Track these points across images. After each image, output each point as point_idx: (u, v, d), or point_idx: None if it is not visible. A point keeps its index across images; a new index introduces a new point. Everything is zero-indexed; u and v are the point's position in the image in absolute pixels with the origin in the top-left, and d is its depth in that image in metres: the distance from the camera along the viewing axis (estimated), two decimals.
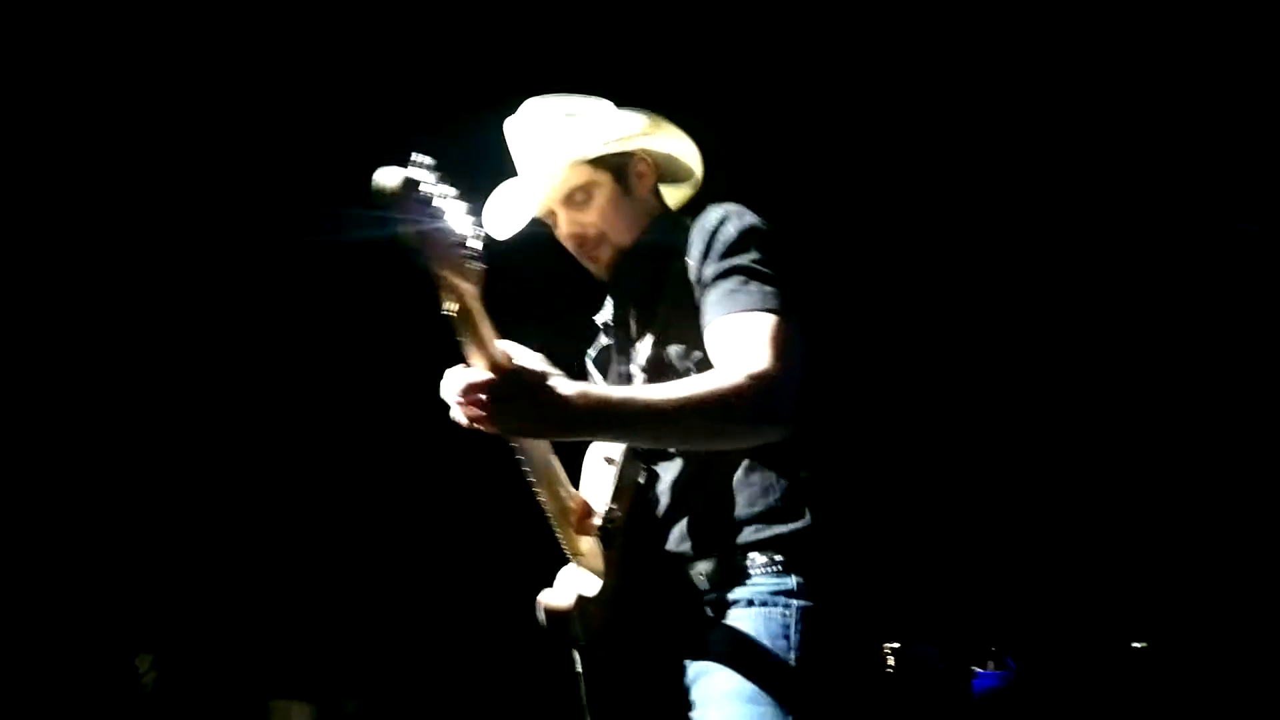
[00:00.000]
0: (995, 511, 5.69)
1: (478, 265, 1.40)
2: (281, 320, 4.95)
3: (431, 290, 1.39)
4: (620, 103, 2.04)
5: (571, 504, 1.83)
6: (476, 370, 1.48)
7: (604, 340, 2.11)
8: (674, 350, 1.85)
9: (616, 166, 1.94)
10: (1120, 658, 5.05)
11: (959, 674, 5.46)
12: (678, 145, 2.02)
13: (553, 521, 1.81)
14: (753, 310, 1.70)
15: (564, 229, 1.95)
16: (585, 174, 1.91)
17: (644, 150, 1.99)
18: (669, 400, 1.58)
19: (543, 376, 1.51)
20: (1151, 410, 5.48)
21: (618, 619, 1.79)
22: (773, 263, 1.77)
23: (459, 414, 1.53)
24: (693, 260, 1.81)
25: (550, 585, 1.90)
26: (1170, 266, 5.14)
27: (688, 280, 1.82)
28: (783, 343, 1.67)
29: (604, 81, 2.19)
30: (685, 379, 1.64)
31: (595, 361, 2.12)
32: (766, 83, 4.57)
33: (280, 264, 4.84)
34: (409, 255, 1.30)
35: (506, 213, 1.99)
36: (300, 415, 5.13)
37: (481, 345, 1.46)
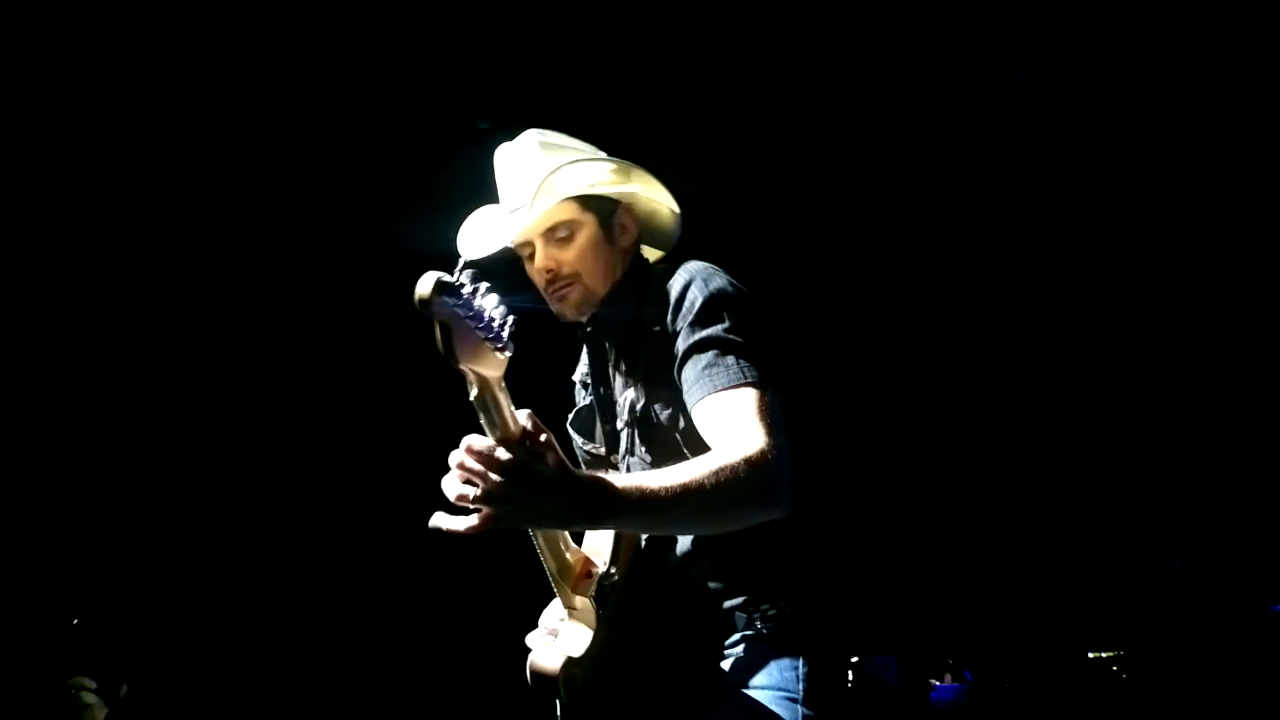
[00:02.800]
0: (952, 524, 5.74)
1: (504, 354, 1.40)
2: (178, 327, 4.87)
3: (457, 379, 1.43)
4: (608, 147, 2.02)
5: (571, 560, 1.80)
6: (489, 440, 1.43)
7: (582, 398, 2.09)
8: (660, 410, 1.84)
9: (603, 212, 1.94)
10: (1077, 668, 5.12)
11: (917, 687, 5.50)
12: (659, 198, 2.02)
13: (551, 578, 1.79)
14: (732, 388, 1.71)
15: (539, 262, 1.92)
16: (572, 211, 1.90)
17: (630, 204, 1.99)
18: (672, 494, 1.56)
19: (558, 460, 1.46)
20: (1102, 428, 5.58)
21: (605, 674, 1.78)
22: (744, 329, 1.77)
23: (452, 486, 1.44)
24: (660, 329, 1.81)
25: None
26: (1138, 271, 5.23)
27: (661, 351, 1.81)
28: (769, 419, 1.68)
29: (588, 118, 2.18)
30: (685, 467, 1.60)
31: (574, 425, 2.09)
32: (753, 101, 4.59)
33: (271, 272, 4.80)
34: (441, 353, 1.35)
35: (483, 235, 1.96)
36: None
37: (503, 422, 1.43)
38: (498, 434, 1.44)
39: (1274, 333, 5.13)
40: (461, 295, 1.34)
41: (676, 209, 2.03)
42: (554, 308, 1.99)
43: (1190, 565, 5.30)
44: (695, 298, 1.79)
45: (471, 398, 1.43)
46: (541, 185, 1.82)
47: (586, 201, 1.91)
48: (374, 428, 5.11)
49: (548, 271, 1.93)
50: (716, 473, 1.59)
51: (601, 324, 1.97)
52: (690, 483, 1.57)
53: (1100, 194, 4.97)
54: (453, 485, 1.44)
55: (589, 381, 2.04)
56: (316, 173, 4.59)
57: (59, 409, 4.69)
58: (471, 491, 1.42)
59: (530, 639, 1.98)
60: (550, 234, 1.91)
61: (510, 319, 1.41)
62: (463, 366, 1.39)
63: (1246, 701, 4.50)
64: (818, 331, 4.91)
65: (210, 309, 4.87)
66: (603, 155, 1.98)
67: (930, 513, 5.68)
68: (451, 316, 1.34)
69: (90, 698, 2.63)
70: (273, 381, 5.06)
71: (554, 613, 2.00)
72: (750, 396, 1.70)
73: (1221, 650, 4.73)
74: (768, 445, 1.64)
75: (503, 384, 1.43)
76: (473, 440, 1.44)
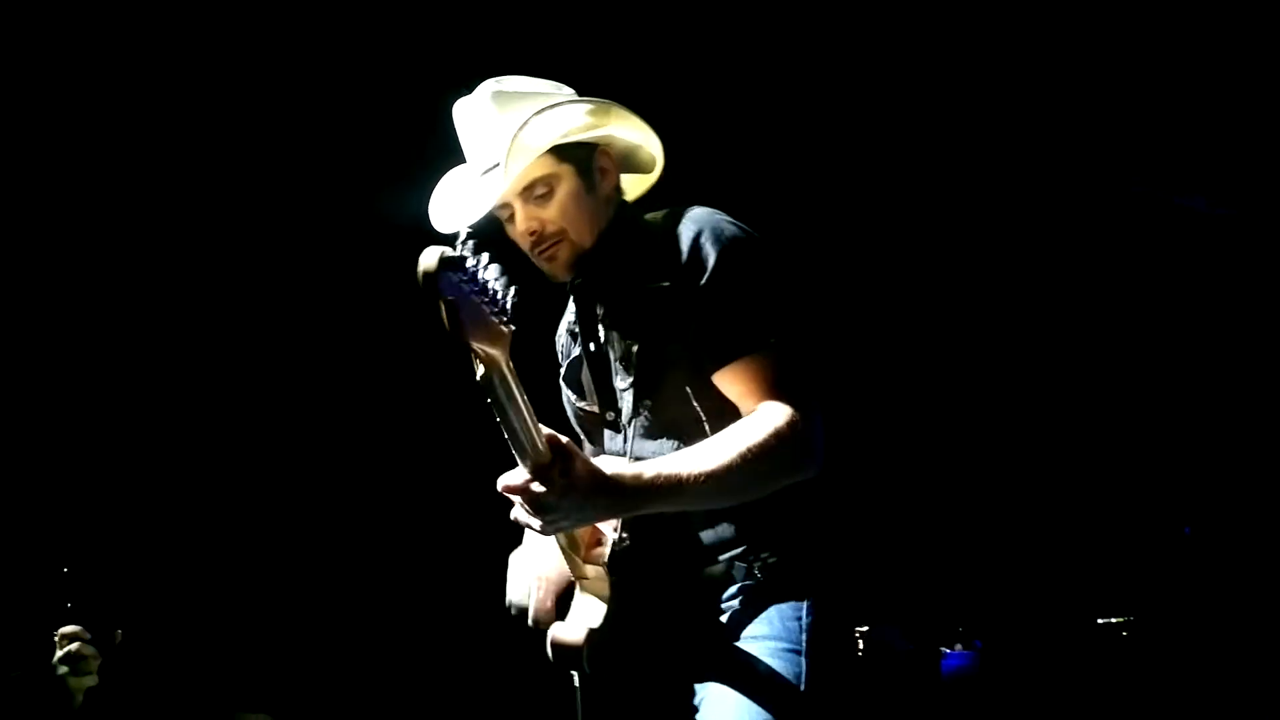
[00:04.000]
0: (962, 492, 5.73)
1: (509, 328, 1.39)
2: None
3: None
4: (582, 89, 1.95)
5: (581, 531, 1.80)
6: (521, 474, 1.49)
7: (570, 352, 2.05)
8: (667, 367, 1.80)
9: (579, 159, 1.85)
10: (1087, 634, 5.11)
11: (927, 655, 5.49)
12: (639, 136, 1.96)
13: (563, 550, 1.79)
14: (760, 352, 1.70)
15: (520, 224, 1.86)
16: (548, 165, 1.81)
17: (608, 143, 1.90)
18: (716, 468, 1.59)
19: (584, 467, 1.50)
20: (1115, 392, 5.55)
21: (619, 640, 1.78)
22: (761, 284, 1.74)
23: (520, 514, 1.55)
24: (669, 285, 1.75)
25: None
26: (1143, 241, 5.20)
27: (668, 299, 1.77)
28: (800, 380, 1.69)
29: (569, 66, 2.11)
30: (721, 445, 1.63)
31: (566, 379, 2.05)
32: (745, 73, 4.55)
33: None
34: (446, 329, 1.33)
35: (457, 204, 1.88)
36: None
37: (521, 421, 1.44)
38: (524, 446, 1.44)
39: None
40: (467, 269, 1.31)
41: (657, 143, 1.94)
42: (543, 269, 1.93)
43: (1201, 532, 5.28)
44: (709, 251, 1.74)
45: (478, 377, 1.40)
46: (513, 144, 1.72)
47: (562, 151, 1.82)
48: (364, 406, 5.10)
49: (531, 234, 1.85)
50: (757, 447, 1.61)
51: (592, 277, 1.91)
52: (736, 455, 1.60)
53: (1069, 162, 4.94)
54: (517, 514, 1.56)
55: (576, 333, 1.97)
56: (295, 148, 4.54)
57: (44, 374, 4.65)
58: (523, 518, 1.54)
59: (513, 594, 1.96)
60: (528, 193, 1.83)
61: (513, 290, 1.38)
62: (471, 345, 1.35)
63: (1256, 668, 4.50)
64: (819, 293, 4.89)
65: (191, 284, 4.83)
66: (568, 94, 1.87)
67: (939, 479, 5.67)
68: (458, 293, 1.30)
69: (86, 648, 2.63)
70: (257, 349, 5.02)
71: (526, 568, 1.97)
72: (778, 358, 1.69)
73: (1232, 617, 4.73)
74: (804, 410, 1.65)
75: (510, 364, 1.40)
76: (507, 480, 1.51)
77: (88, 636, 2.62)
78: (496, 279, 1.36)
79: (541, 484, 1.46)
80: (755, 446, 1.61)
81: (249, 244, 4.79)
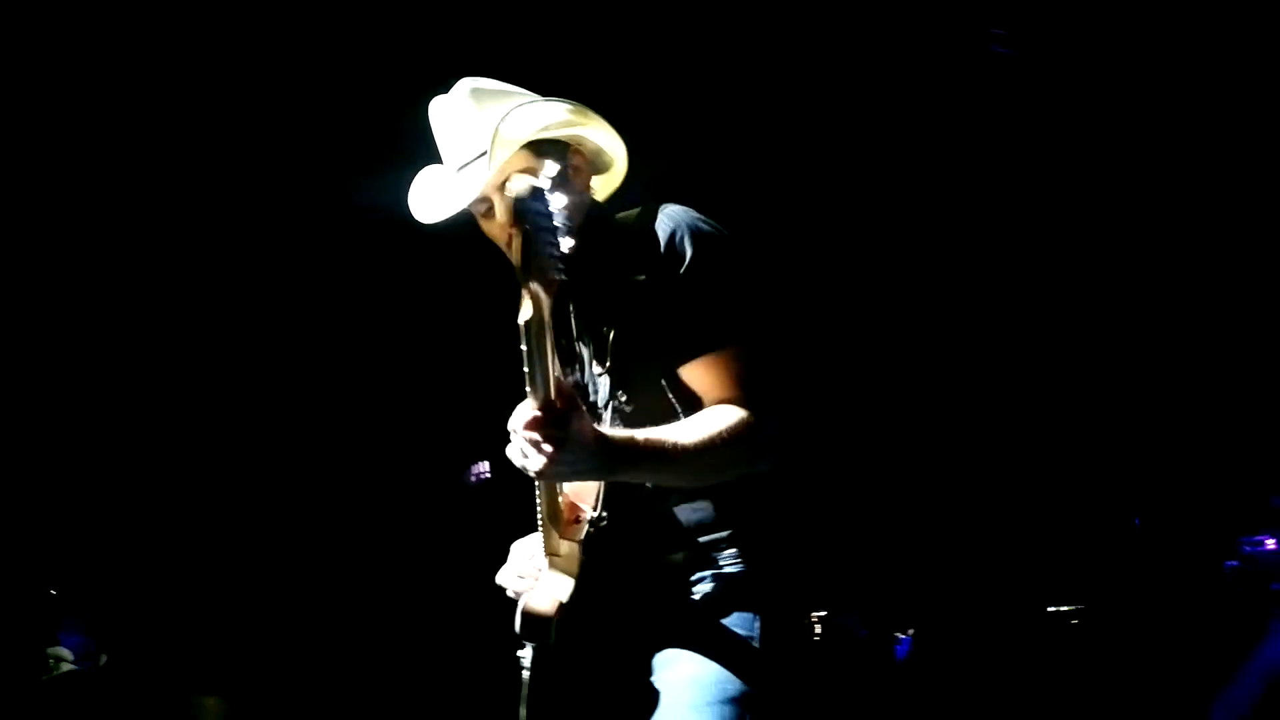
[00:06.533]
0: (918, 481, 5.80)
1: (560, 275, 1.43)
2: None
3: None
4: (550, 92, 1.97)
5: (561, 505, 1.82)
6: (533, 410, 1.54)
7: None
8: (642, 359, 1.82)
9: (555, 156, 1.84)
10: (1037, 622, 5.21)
11: (882, 641, 5.58)
12: (606, 139, 1.98)
13: (541, 519, 1.81)
14: (726, 347, 1.74)
15: (501, 216, 1.86)
16: (527, 159, 1.83)
17: (579, 142, 1.94)
18: (684, 449, 1.66)
19: (589, 423, 1.58)
20: (1067, 373, 5.64)
21: (584, 618, 1.80)
22: (732, 281, 1.78)
23: (516, 453, 1.59)
24: (644, 278, 1.79)
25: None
26: (1102, 228, 5.27)
27: (644, 292, 1.79)
28: (761, 377, 1.74)
29: (539, 68, 2.13)
30: (694, 426, 1.70)
31: None
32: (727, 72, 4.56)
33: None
34: (516, 260, 1.38)
35: (436, 199, 1.91)
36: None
37: (544, 367, 1.50)
38: (539, 387, 1.50)
39: (1234, 293, 5.20)
40: (548, 205, 1.35)
41: (621, 146, 1.98)
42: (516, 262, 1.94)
43: (1150, 524, 5.40)
44: (685, 247, 1.78)
45: (521, 320, 1.45)
46: (496, 135, 1.76)
47: (539, 148, 1.85)
48: (324, 389, 5.08)
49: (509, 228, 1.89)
50: (715, 436, 1.68)
51: (569, 271, 1.94)
52: (693, 444, 1.67)
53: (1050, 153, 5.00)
54: (513, 453, 1.60)
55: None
56: (273, 145, 4.50)
57: (34, 379, 4.62)
58: (522, 460, 1.58)
59: (502, 577, 1.99)
60: (505, 187, 1.82)
61: (570, 244, 1.43)
62: (529, 283, 1.40)
63: (1202, 654, 4.61)
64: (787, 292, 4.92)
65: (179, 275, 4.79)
66: (540, 98, 1.91)
67: (895, 469, 5.74)
68: (535, 225, 1.34)
69: (69, 668, 2.63)
70: (250, 347, 5.01)
71: (525, 553, 2.00)
72: (744, 354, 1.74)
73: (1179, 605, 4.84)
74: (761, 409, 1.71)
75: (551, 314, 1.46)
76: (521, 412, 1.55)
77: (71, 657, 2.62)
78: (564, 223, 1.40)
79: (551, 425, 1.51)
80: (719, 435, 1.68)
81: (234, 241, 4.77)
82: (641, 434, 1.67)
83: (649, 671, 1.80)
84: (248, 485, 5.00)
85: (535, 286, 1.41)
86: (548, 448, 1.53)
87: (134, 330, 4.77)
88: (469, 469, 4.52)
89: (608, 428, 1.78)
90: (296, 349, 4.99)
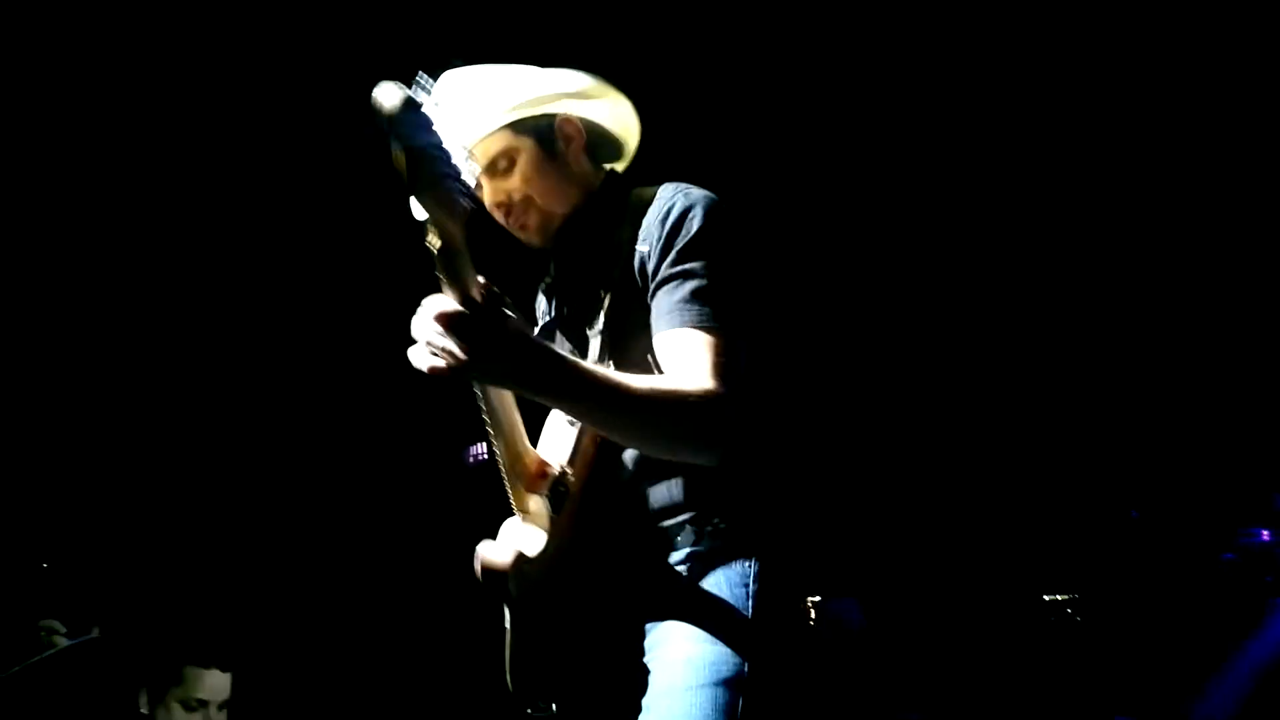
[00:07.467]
0: (914, 470, 5.80)
1: (467, 203, 1.36)
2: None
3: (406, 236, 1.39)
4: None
5: (526, 460, 1.83)
6: (449, 300, 1.42)
7: (549, 312, 2.09)
8: (634, 329, 1.84)
9: (537, 130, 1.92)
10: (1034, 610, 5.21)
11: (880, 629, 5.57)
12: (610, 110, 1.99)
13: (504, 474, 1.82)
14: (704, 327, 1.71)
15: (489, 198, 1.93)
16: (504, 140, 1.89)
17: (567, 113, 1.96)
18: (625, 392, 1.60)
19: (517, 323, 1.48)
20: (1065, 363, 5.63)
21: (559, 581, 1.80)
22: (729, 269, 1.78)
23: (420, 355, 1.47)
24: (647, 248, 1.80)
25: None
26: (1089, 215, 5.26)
27: (642, 268, 1.81)
28: (727, 365, 1.70)
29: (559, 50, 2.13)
30: (636, 377, 1.65)
31: (542, 337, 2.09)
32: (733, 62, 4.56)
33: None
34: (403, 179, 1.23)
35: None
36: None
37: (462, 284, 1.41)
38: (458, 291, 1.41)
39: (1232, 288, 5.19)
40: (432, 125, 1.25)
41: (625, 110, 2.00)
42: (520, 238, 1.98)
43: (1148, 516, 5.38)
44: (691, 226, 1.79)
45: (434, 246, 1.38)
46: (468, 135, 1.82)
47: (519, 126, 1.90)
48: (311, 384, 5.10)
49: (499, 205, 1.93)
50: (661, 394, 1.65)
51: (570, 240, 1.96)
52: (635, 390, 1.62)
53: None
54: (419, 356, 1.46)
55: (552, 294, 2.03)
56: (271, 142, 4.52)
57: (26, 359, 4.64)
58: (430, 360, 1.43)
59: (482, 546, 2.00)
60: (492, 169, 1.91)
61: (472, 168, 1.35)
62: (428, 201, 1.31)
63: (1196, 645, 4.61)
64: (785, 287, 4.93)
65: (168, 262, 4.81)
66: (530, 69, 1.94)
67: (890, 459, 5.74)
68: (417, 143, 1.23)
69: (61, 641, 2.64)
70: (245, 326, 5.03)
71: (508, 527, 2.02)
72: (715, 338, 1.72)
73: (1175, 596, 4.84)
74: (715, 388, 1.67)
75: (466, 246, 1.39)
76: (432, 301, 1.43)
77: (64, 630, 2.63)
78: (460, 152, 1.32)
79: (469, 316, 1.40)
80: (662, 395, 1.65)
81: (228, 239, 4.78)
82: (576, 359, 1.62)
83: (640, 637, 1.81)
84: (243, 461, 5.02)
85: (435, 212, 1.33)
86: (467, 336, 1.41)
87: (123, 309, 4.80)
88: (467, 449, 4.53)
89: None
90: (292, 328, 5.01)
